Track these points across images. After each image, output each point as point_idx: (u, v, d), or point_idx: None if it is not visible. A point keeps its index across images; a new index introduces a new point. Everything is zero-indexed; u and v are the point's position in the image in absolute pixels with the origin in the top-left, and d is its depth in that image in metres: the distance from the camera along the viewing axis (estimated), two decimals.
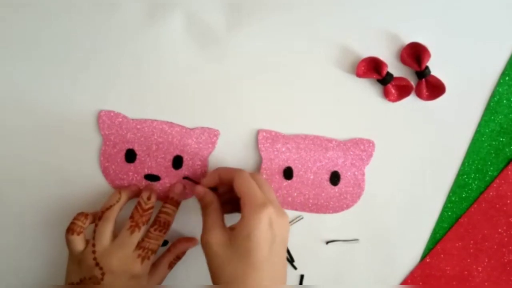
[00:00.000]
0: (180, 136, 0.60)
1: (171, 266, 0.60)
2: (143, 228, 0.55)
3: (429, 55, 0.57)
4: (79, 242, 0.55)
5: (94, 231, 0.54)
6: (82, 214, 0.56)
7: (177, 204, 0.58)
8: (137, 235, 0.54)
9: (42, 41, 0.59)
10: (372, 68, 0.58)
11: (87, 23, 0.59)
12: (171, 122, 0.60)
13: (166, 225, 0.56)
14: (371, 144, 0.60)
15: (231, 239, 0.49)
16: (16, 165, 0.61)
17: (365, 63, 0.58)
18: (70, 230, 0.55)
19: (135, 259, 0.53)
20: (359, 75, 0.58)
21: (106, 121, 0.60)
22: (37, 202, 0.62)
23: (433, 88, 0.58)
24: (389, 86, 0.59)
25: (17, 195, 0.62)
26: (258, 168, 0.60)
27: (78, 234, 0.54)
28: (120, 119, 0.60)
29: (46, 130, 0.61)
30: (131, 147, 0.60)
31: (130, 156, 0.60)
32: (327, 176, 0.60)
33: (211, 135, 0.60)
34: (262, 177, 0.56)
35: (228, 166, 0.58)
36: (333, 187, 0.60)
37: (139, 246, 0.54)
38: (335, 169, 0.60)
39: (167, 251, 0.60)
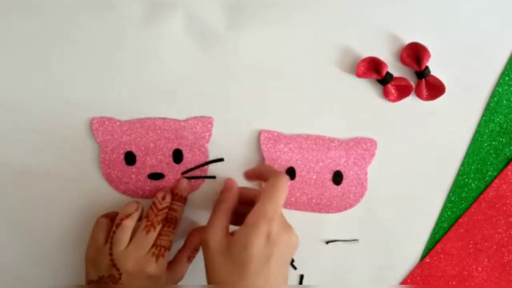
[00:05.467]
0: (174, 130, 0.60)
1: (190, 259, 0.60)
2: (158, 227, 0.55)
3: (429, 55, 0.57)
4: (102, 230, 0.56)
5: (111, 237, 0.54)
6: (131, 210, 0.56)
7: (183, 199, 0.58)
8: (153, 235, 0.54)
9: (40, 41, 0.59)
10: (372, 68, 0.58)
11: (86, 23, 0.59)
12: (163, 118, 0.60)
13: (175, 221, 0.56)
14: (373, 143, 0.60)
15: (229, 245, 0.48)
16: (19, 178, 0.61)
17: (365, 63, 0.58)
18: (104, 214, 0.57)
19: (150, 258, 0.53)
20: (359, 75, 0.58)
21: (100, 128, 0.59)
22: (44, 215, 0.62)
23: (433, 88, 0.58)
24: (389, 86, 0.59)
25: (24, 208, 0.61)
26: None
27: (108, 218, 0.56)
28: (113, 123, 0.60)
29: (43, 141, 0.60)
30: (129, 149, 0.60)
31: (130, 158, 0.60)
32: (329, 176, 0.60)
33: (206, 123, 0.60)
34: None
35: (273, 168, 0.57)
36: (336, 186, 0.60)
37: (152, 244, 0.54)
38: (338, 168, 0.60)
39: (184, 246, 0.60)
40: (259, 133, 0.60)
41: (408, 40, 0.58)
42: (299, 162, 0.60)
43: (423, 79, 0.58)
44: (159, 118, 0.60)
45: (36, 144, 0.60)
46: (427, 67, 0.58)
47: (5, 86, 0.60)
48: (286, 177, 0.50)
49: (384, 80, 0.58)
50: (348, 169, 0.60)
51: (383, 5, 0.59)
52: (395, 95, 0.59)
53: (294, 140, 0.60)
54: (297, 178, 0.60)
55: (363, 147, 0.60)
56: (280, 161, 0.60)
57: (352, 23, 0.59)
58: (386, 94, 0.59)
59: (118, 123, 0.60)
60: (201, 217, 0.62)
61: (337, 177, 0.60)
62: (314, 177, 0.60)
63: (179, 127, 0.60)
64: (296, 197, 0.61)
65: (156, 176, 0.61)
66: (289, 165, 0.60)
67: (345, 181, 0.60)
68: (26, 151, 0.61)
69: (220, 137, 0.60)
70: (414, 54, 0.58)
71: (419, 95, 0.59)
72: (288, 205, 0.61)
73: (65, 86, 0.60)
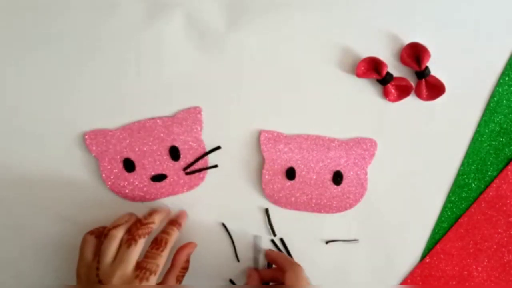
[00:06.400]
0: (165, 127, 0.60)
1: (179, 279, 0.58)
2: (140, 242, 0.53)
3: (429, 55, 0.57)
4: (89, 247, 0.55)
5: (100, 249, 0.54)
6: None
7: (178, 225, 0.58)
8: (134, 250, 0.53)
9: (38, 42, 0.59)
10: (372, 68, 0.58)
11: (86, 23, 0.59)
12: (151, 118, 0.60)
13: (164, 243, 0.54)
14: (373, 143, 0.60)
15: None
16: (24, 199, 0.62)
17: (365, 63, 0.58)
18: (90, 231, 0.56)
19: (133, 280, 0.52)
20: (359, 75, 0.58)
21: (93, 142, 0.59)
22: (56, 231, 0.62)
23: (433, 88, 0.58)
24: (389, 86, 0.59)
25: (40, 227, 0.62)
26: (261, 168, 0.60)
27: (93, 235, 0.56)
28: (105, 134, 0.60)
29: (44, 163, 0.61)
30: (126, 156, 0.60)
31: (129, 165, 0.60)
32: (329, 176, 0.60)
33: (195, 113, 0.60)
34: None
35: (282, 255, 0.61)
36: (336, 186, 0.60)
37: (138, 266, 0.53)
38: (338, 168, 0.60)
39: (171, 266, 0.58)
40: (259, 133, 0.60)
41: (408, 40, 0.58)
42: (299, 162, 0.60)
43: (423, 79, 0.58)
44: (148, 118, 0.60)
45: (39, 167, 0.61)
46: (427, 67, 0.58)
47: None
48: (298, 267, 0.56)
49: (384, 80, 0.58)
50: (348, 169, 0.60)
51: (383, 5, 0.58)
52: (395, 95, 0.59)
53: (294, 140, 0.60)
54: (297, 178, 0.60)
55: (363, 147, 0.60)
56: (280, 161, 0.60)
57: (352, 23, 0.59)
58: (386, 94, 0.59)
59: (110, 132, 0.60)
60: (208, 209, 0.62)
61: (337, 177, 0.60)
62: (314, 177, 0.60)
63: (169, 123, 0.60)
64: (296, 197, 0.61)
65: (158, 177, 0.60)
66: (289, 165, 0.60)
67: (345, 181, 0.60)
68: (29, 173, 0.61)
69: (217, 133, 0.61)
70: (414, 54, 0.58)
71: (419, 95, 0.59)
72: (288, 205, 0.61)
73: (52, 94, 0.60)
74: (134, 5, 0.59)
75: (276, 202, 0.61)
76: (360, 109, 0.60)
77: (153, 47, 0.59)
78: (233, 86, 0.60)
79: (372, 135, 0.60)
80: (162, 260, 0.54)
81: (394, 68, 0.59)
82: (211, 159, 0.61)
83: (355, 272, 0.63)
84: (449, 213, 0.62)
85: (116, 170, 0.60)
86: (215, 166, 0.61)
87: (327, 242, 0.62)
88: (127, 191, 0.60)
